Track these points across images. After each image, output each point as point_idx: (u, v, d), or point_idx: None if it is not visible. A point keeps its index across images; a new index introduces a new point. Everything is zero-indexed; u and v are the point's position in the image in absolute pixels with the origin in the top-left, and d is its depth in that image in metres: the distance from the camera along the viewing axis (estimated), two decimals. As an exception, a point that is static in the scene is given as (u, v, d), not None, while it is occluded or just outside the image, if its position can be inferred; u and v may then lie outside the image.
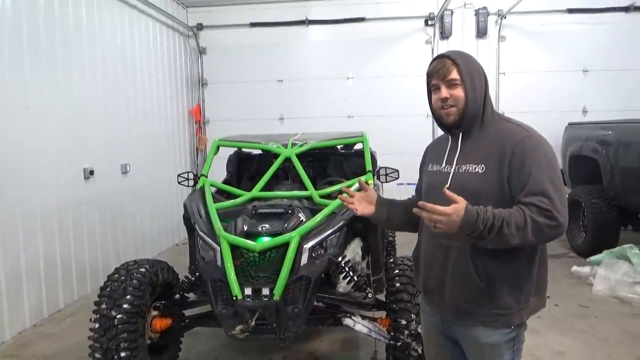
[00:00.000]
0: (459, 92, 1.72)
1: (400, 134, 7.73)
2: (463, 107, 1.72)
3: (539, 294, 1.76)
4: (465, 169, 1.72)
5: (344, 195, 1.99)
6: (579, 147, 6.20)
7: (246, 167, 4.56)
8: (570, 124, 6.78)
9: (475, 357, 1.80)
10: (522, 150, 1.62)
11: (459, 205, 1.50)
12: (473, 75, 1.72)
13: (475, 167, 1.69)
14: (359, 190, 2.02)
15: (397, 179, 3.89)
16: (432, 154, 1.97)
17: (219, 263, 2.73)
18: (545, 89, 7.81)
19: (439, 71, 1.74)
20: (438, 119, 1.82)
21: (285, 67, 8.25)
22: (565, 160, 6.59)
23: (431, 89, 1.81)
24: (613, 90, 7.70)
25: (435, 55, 7.94)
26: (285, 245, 2.71)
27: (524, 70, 7.89)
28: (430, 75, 1.78)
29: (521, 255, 1.66)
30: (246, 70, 8.29)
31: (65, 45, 4.84)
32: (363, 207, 1.95)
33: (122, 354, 2.72)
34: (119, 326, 2.73)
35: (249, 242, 2.72)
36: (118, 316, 2.75)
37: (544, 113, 7.47)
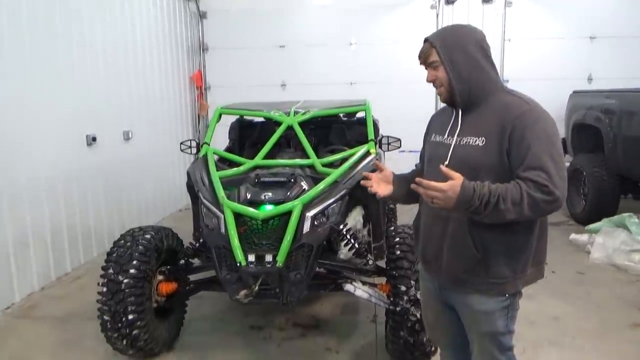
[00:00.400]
0: (441, 72, 1.76)
1: (403, 102, 7.63)
2: (449, 86, 1.75)
3: (537, 265, 1.80)
4: (466, 142, 1.74)
5: (365, 180, 1.99)
6: (582, 116, 6.15)
7: (248, 134, 4.56)
8: (574, 91, 6.71)
9: (470, 323, 1.86)
10: (522, 124, 1.62)
11: (456, 181, 1.53)
12: (453, 53, 1.72)
13: (476, 140, 1.71)
14: (373, 171, 2.04)
15: (399, 147, 3.90)
16: (436, 123, 1.98)
17: (222, 230, 2.78)
18: (551, 56, 7.68)
19: (421, 56, 1.80)
20: None
21: (287, 32, 8.10)
22: (568, 129, 6.55)
23: None
24: (620, 57, 7.55)
25: (440, 20, 7.78)
26: (288, 213, 2.74)
27: (530, 36, 7.73)
28: (419, 60, 1.83)
29: (518, 227, 1.69)
30: (248, 35, 8.13)
31: (64, 12, 4.74)
32: (382, 188, 1.97)
33: (130, 316, 2.81)
34: (126, 290, 2.81)
35: (252, 210, 2.75)
36: (125, 280, 2.82)
37: (549, 80, 7.38)
